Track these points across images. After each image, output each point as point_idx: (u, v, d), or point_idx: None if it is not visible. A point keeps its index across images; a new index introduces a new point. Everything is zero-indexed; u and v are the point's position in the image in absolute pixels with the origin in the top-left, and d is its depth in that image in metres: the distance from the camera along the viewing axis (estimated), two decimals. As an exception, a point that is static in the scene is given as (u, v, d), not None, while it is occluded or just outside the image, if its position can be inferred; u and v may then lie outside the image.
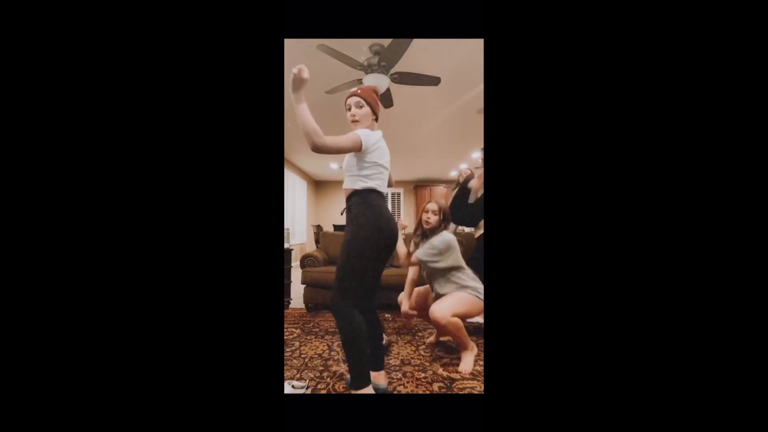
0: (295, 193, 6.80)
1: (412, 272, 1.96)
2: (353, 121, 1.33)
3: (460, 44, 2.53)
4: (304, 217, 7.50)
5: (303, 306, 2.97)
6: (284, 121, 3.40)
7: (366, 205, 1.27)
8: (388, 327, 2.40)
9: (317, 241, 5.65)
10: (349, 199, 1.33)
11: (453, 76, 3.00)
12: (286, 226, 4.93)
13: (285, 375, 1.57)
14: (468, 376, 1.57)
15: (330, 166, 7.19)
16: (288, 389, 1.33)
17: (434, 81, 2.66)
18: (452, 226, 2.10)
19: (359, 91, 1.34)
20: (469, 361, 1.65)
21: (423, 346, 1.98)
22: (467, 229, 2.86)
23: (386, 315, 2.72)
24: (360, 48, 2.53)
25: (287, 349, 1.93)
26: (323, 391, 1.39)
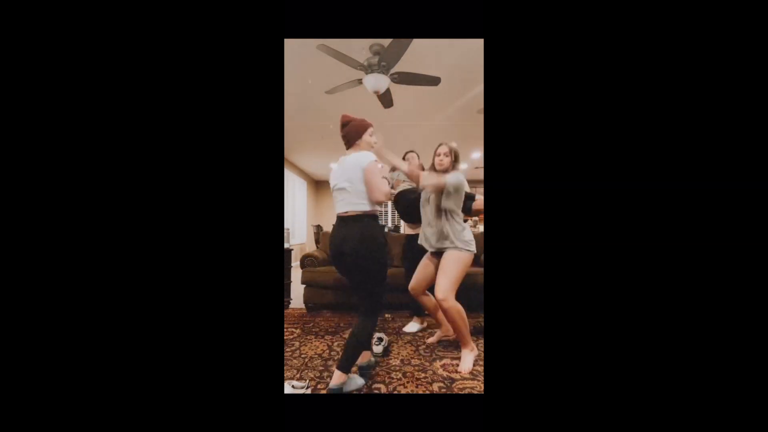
0: (295, 193, 6.80)
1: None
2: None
3: (460, 44, 2.53)
4: (304, 217, 7.50)
5: (303, 306, 2.97)
6: (284, 121, 3.39)
7: (376, 228, 1.38)
8: (388, 327, 2.40)
9: (317, 241, 5.65)
10: (357, 219, 1.38)
11: (453, 76, 3.00)
12: (286, 226, 4.92)
13: (285, 375, 1.57)
14: (468, 376, 1.58)
15: (330, 166, 7.19)
16: (288, 389, 1.33)
17: (434, 81, 2.66)
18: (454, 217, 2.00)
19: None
20: (469, 361, 1.66)
21: (423, 346, 1.98)
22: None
23: (386, 315, 2.72)
24: (360, 48, 2.53)
25: (287, 349, 1.93)
26: (323, 391, 1.39)
